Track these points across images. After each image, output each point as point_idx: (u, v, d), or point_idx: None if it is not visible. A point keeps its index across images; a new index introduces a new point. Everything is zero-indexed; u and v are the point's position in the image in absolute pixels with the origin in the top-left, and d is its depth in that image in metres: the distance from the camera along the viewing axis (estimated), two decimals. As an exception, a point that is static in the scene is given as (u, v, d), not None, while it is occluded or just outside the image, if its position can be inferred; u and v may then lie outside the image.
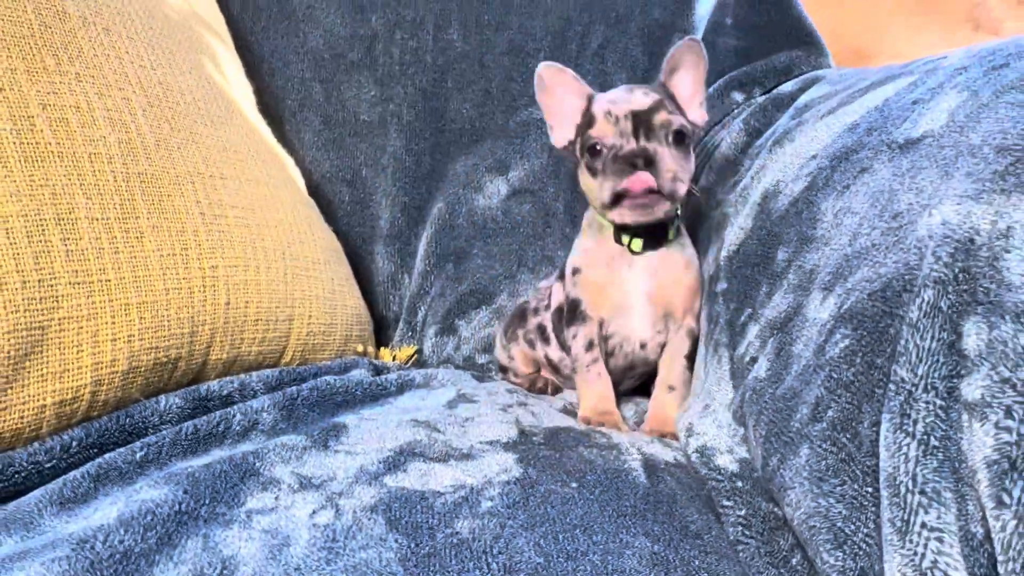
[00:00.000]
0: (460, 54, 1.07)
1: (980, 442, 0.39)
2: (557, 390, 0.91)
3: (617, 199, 0.73)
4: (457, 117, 1.07)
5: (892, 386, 0.44)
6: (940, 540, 0.39)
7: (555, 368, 0.90)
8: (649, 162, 0.72)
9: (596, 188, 0.75)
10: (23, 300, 0.56)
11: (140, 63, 0.74)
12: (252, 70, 1.00)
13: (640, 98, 0.75)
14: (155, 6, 0.82)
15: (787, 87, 0.98)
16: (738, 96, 1.04)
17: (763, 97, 0.99)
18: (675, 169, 0.73)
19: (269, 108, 1.01)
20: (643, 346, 0.82)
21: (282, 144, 0.95)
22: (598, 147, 0.75)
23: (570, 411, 0.79)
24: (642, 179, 0.71)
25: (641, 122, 0.74)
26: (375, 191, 1.06)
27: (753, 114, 0.94)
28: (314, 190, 0.98)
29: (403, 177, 1.06)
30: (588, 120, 0.77)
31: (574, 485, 0.57)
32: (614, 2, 1.08)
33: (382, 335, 1.02)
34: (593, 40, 1.07)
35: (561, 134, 0.82)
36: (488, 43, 1.07)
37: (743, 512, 0.55)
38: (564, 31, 1.07)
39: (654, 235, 0.79)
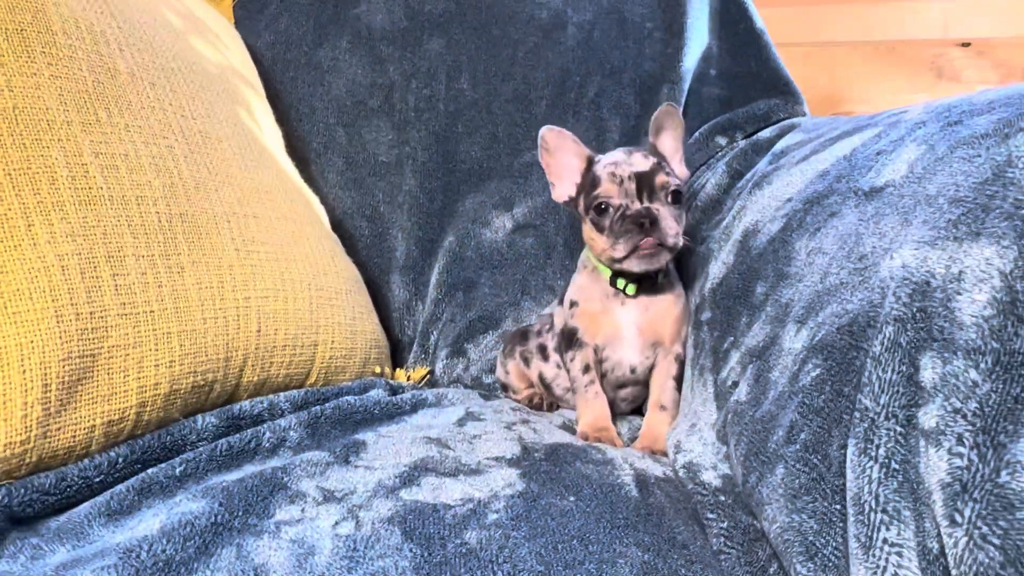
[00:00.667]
0: (469, 102, 1.07)
1: (935, 466, 0.39)
2: (552, 406, 0.91)
3: (630, 255, 0.75)
4: (466, 158, 1.07)
5: (857, 413, 0.44)
6: (900, 555, 0.39)
7: (547, 386, 0.90)
8: (654, 221, 0.73)
9: (604, 242, 0.77)
10: (76, 331, 0.56)
11: (182, 114, 0.74)
12: (282, 117, 1.00)
13: (641, 160, 0.76)
14: (195, 61, 0.83)
15: (766, 133, 0.99)
16: (721, 140, 1.04)
17: (744, 142, 1.00)
18: (675, 227, 0.75)
19: (297, 151, 1.01)
20: (633, 370, 0.83)
21: (308, 183, 0.96)
22: (604, 206, 0.76)
23: (568, 427, 0.79)
24: (650, 239, 0.74)
25: (644, 183, 0.75)
26: (392, 226, 1.06)
27: (735, 157, 0.95)
28: (337, 225, 0.98)
29: (417, 213, 1.06)
30: (592, 180, 0.78)
31: (572, 498, 0.57)
32: (609, 55, 1.08)
33: (398, 357, 1.02)
34: (590, 89, 1.07)
35: (562, 190, 0.83)
36: (495, 92, 1.08)
37: (725, 524, 0.55)
38: (564, 81, 1.08)
39: (645, 280, 0.80)
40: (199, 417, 0.65)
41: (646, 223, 0.73)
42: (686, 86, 1.08)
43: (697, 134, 1.06)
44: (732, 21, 1.13)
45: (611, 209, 0.76)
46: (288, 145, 0.96)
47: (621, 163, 0.77)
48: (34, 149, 0.58)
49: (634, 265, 0.76)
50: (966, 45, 1.43)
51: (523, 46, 1.09)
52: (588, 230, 0.80)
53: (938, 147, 0.54)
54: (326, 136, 1.06)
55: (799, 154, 0.77)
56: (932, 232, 0.46)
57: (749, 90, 1.09)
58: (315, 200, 0.93)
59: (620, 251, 0.75)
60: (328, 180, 1.05)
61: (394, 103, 1.07)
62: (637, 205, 0.75)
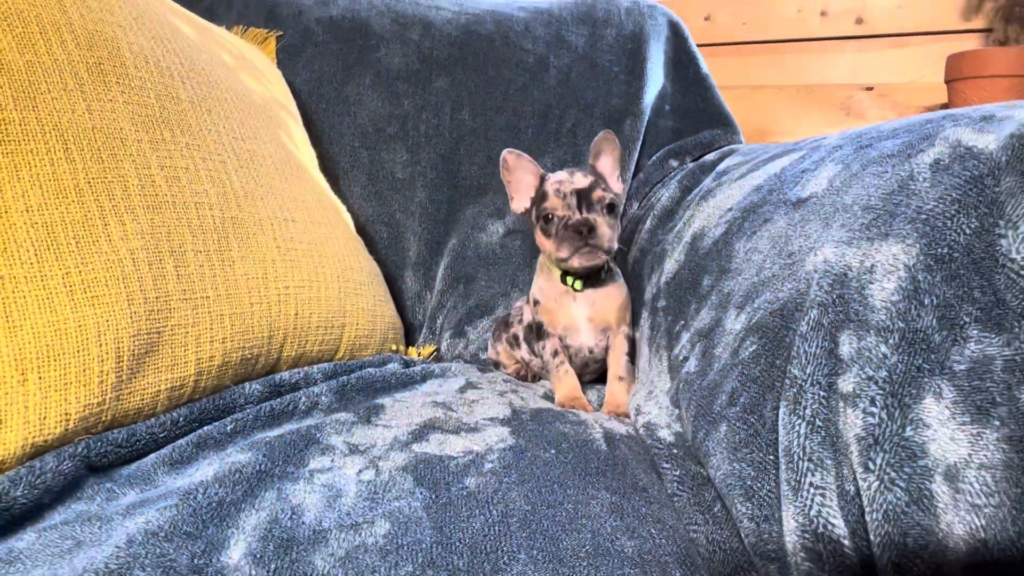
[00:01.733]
0: (470, 130, 1.07)
1: (852, 423, 0.39)
2: (536, 378, 0.90)
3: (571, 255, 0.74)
4: (467, 176, 1.06)
5: (788, 381, 0.44)
6: (823, 495, 0.39)
7: (526, 364, 0.90)
8: (591, 229, 0.73)
9: (551, 245, 0.76)
10: (145, 312, 0.55)
11: (233, 135, 0.73)
12: (315, 140, 0.99)
13: (580, 179, 0.76)
14: (245, 93, 0.81)
15: (710, 156, 0.99)
16: (674, 162, 1.05)
17: (692, 164, 0.99)
18: (609, 233, 0.74)
19: (328, 168, 1.00)
20: (591, 351, 0.82)
21: (337, 196, 0.95)
22: (550, 217, 0.76)
23: (549, 397, 0.79)
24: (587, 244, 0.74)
25: (583, 198, 0.74)
26: (406, 230, 1.05)
27: (685, 176, 0.95)
28: (361, 229, 0.98)
29: (427, 220, 1.05)
30: (542, 195, 0.78)
31: (553, 451, 0.57)
32: (583, 93, 1.08)
33: (410, 337, 1.01)
34: (568, 121, 1.07)
35: (519, 203, 0.83)
36: (490, 122, 1.07)
37: (678, 472, 0.55)
38: (546, 114, 1.08)
39: (590, 277, 0.80)
40: (246, 384, 0.64)
41: (584, 231, 0.73)
42: (646, 119, 1.08)
43: (654, 158, 1.06)
44: (683, 67, 1.14)
45: (556, 219, 0.75)
46: (321, 164, 0.95)
47: (565, 181, 0.76)
48: (110, 162, 0.57)
49: (575, 263, 0.75)
50: (870, 89, 1.44)
51: (513, 85, 1.09)
52: (539, 236, 0.79)
53: (852, 165, 0.53)
54: (352, 157, 1.05)
55: (737, 173, 0.77)
56: (848, 234, 0.46)
57: (696, 122, 1.10)
58: (343, 209, 0.93)
59: (564, 253, 0.74)
60: (353, 193, 1.04)
61: (408, 130, 1.07)
62: (577, 216, 0.74)
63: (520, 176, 0.82)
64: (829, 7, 1.44)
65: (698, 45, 1.50)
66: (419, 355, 0.94)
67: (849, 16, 1.43)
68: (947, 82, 1.18)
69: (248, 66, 0.89)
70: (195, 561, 0.39)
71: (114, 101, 0.60)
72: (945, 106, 1.31)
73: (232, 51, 0.87)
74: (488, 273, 1.03)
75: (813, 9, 1.46)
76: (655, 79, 1.11)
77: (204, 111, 0.70)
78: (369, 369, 0.75)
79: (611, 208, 0.76)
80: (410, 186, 1.05)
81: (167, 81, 0.67)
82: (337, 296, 0.77)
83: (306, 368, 0.71)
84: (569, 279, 0.80)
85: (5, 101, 0.52)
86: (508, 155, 0.81)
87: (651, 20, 1.13)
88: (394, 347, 0.89)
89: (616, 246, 0.77)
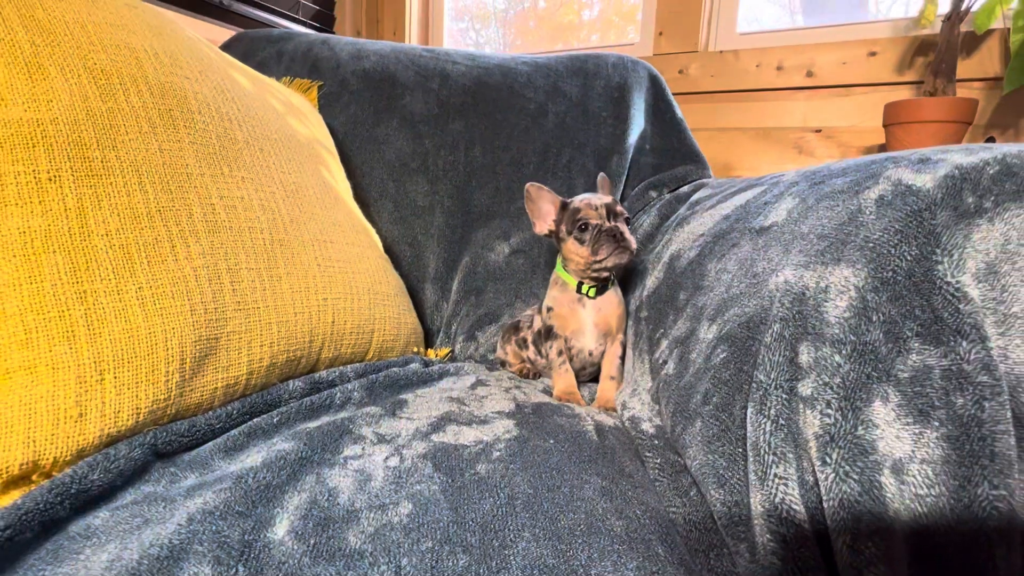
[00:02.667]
0: (480, 165, 1.06)
1: (811, 423, 0.37)
2: (536, 376, 0.89)
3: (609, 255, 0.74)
4: (478, 204, 1.05)
5: (754, 384, 0.42)
6: (786, 485, 0.38)
7: (532, 363, 0.89)
8: (622, 233, 0.73)
9: (586, 251, 0.75)
10: (204, 321, 0.53)
11: (281, 169, 0.72)
12: (350, 173, 0.98)
13: (605, 197, 0.76)
14: (291, 134, 0.80)
15: (684, 189, 0.97)
16: (653, 193, 1.03)
17: (669, 195, 0.98)
18: (631, 237, 0.74)
19: (360, 197, 1.00)
20: (591, 353, 0.81)
21: (369, 220, 0.93)
22: (585, 225, 0.75)
23: (547, 392, 0.78)
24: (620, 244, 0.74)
25: (610, 211, 0.75)
26: (426, 250, 1.04)
27: (663, 206, 0.93)
28: (388, 249, 0.97)
29: (444, 241, 1.04)
30: (573, 210, 0.77)
31: (551, 441, 0.56)
32: (576, 135, 1.07)
33: (429, 340, 1.00)
34: (564, 157, 1.06)
35: (542, 227, 0.82)
36: (498, 158, 1.06)
37: (659, 460, 0.53)
38: (545, 152, 1.06)
39: (600, 286, 0.79)
40: (290, 382, 0.63)
41: (619, 234, 0.73)
42: (630, 156, 1.07)
43: (636, 189, 1.05)
44: (661, 112, 1.13)
45: (591, 227, 0.74)
46: (354, 193, 0.94)
47: (593, 198, 0.76)
48: (177, 193, 0.56)
49: (611, 262, 0.74)
50: (818, 131, 1.42)
51: (518, 127, 1.08)
52: (571, 245, 0.77)
53: (808, 199, 0.52)
54: (381, 187, 1.04)
55: (709, 203, 0.75)
56: (806, 258, 0.45)
57: (672, 159, 1.09)
58: (373, 232, 0.92)
59: (603, 254, 0.73)
60: (382, 218, 1.03)
61: (428, 165, 1.06)
62: (609, 223, 0.74)
63: (541, 204, 0.81)
64: (784, 62, 1.43)
65: (674, 93, 1.49)
66: (436, 356, 0.93)
67: (801, 70, 1.42)
68: (885, 126, 1.17)
69: (294, 111, 0.88)
70: (246, 537, 0.38)
71: (181, 141, 0.59)
72: (883, 147, 1.30)
73: (281, 98, 0.86)
74: (495, 286, 1.01)
75: (770, 64, 1.45)
76: (637, 122, 1.10)
77: (257, 149, 0.69)
78: (394, 368, 0.73)
79: (627, 220, 0.77)
80: (430, 212, 1.04)
81: (226, 124, 0.66)
82: (368, 306, 0.75)
83: (341, 368, 0.70)
84: (584, 287, 0.79)
85: (90, 141, 0.51)
86: (531, 187, 0.80)
87: (634, 73, 1.13)
88: (415, 349, 0.87)
89: (636, 247, 0.76)
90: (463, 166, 1.06)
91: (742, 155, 1.48)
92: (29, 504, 0.37)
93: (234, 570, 0.35)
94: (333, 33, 1.89)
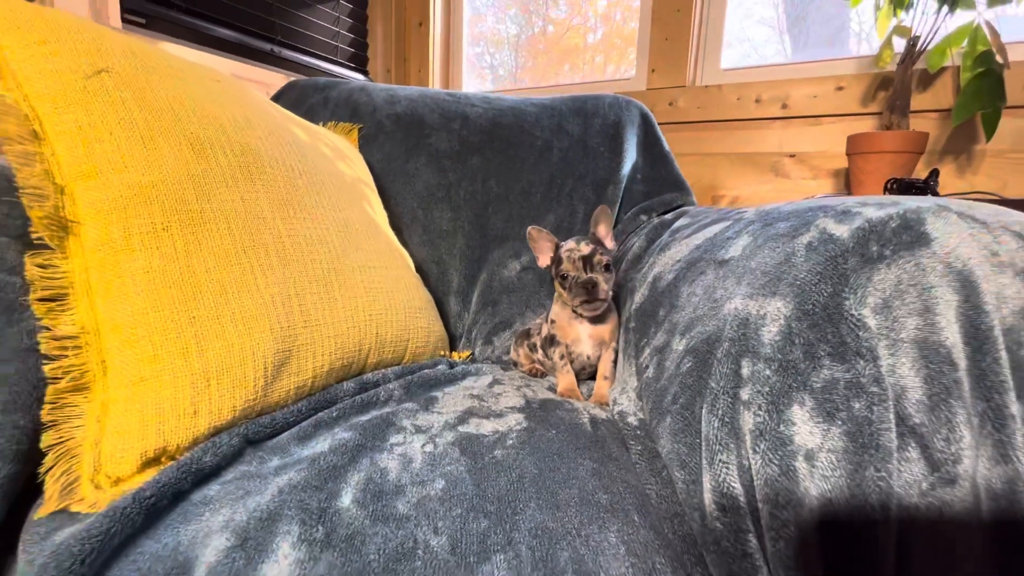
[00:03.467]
0: (495, 194, 1.09)
1: (747, 421, 0.42)
2: (543, 374, 0.92)
3: (581, 304, 0.78)
4: (494, 228, 1.08)
5: (708, 390, 0.46)
6: (727, 468, 0.42)
7: (540, 364, 0.92)
8: (594, 286, 0.77)
9: (567, 295, 0.80)
10: (281, 337, 0.59)
11: (332, 207, 0.76)
12: (386, 203, 1.03)
13: (584, 247, 0.79)
14: (339, 176, 0.86)
15: (668, 216, 1.00)
16: (644, 217, 1.06)
17: (656, 219, 1.01)
18: (606, 287, 0.78)
19: (394, 224, 1.03)
20: (588, 357, 0.85)
21: (402, 244, 0.97)
22: (565, 276, 0.80)
23: (552, 389, 0.80)
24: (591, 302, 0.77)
25: (587, 262, 0.78)
26: (450, 268, 1.06)
27: (650, 230, 0.96)
28: (418, 267, 1.00)
29: (465, 260, 1.07)
30: (558, 259, 0.81)
31: (554, 432, 0.59)
32: (577, 167, 1.11)
33: (453, 345, 1.03)
34: (567, 187, 1.10)
35: (543, 261, 0.86)
36: (511, 188, 1.09)
37: (640, 448, 0.56)
38: (551, 182, 1.10)
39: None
40: (344, 383, 0.67)
41: (589, 287, 0.77)
42: (623, 185, 1.10)
43: (629, 213, 1.08)
44: (651, 146, 1.16)
45: (569, 278, 0.79)
46: (390, 221, 0.98)
47: (574, 249, 0.79)
48: (256, 234, 0.61)
49: (582, 310, 0.79)
50: (792, 156, 1.45)
51: (527, 161, 1.11)
52: (558, 286, 0.83)
53: (758, 239, 0.55)
54: (411, 215, 1.07)
55: (685, 232, 0.78)
56: (751, 289, 0.49)
57: (660, 187, 1.12)
58: (406, 254, 0.94)
59: (576, 303, 0.78)
60: (413, 241, 1.06)
61: (451, 195, 1.09)
62: (584, 276, 0.77)
63: (541, 244, 0.85)
64: (762, 95, 1.47)
65: (665, 123, 1.55)
66: (460, 358, 0.96)
67: (777, 102, 1.46)
68: (847, 155, 1.22)
69: (340, 155, 0.93)
70: (321, 505, 0.43)
71: (257, 191, 0.64)
72: (847, 170, 1.34)
73: (330, 144, 0.92)
74: (509, 298, 1.04)
75: (750, 97, 1.49)
76: (630, 155, 1.13)
77: (314, 193, 0.74)
78: (426, 370, 0.76)
79: (607, 267, 0.79)
80: (453, 236, 1.07)
81: (290, 174, 0.71)
82: (404, 319, 0.80)
83: (383, 371, 0.73)
84: (579, 310, 0.82)
85: (191, 196, 0.58)
86: (532, 230, 0.84)
87: (627, 111, 1.16)
88: (442, 353, 0.91)
89: (612, 293, 0.79)
90: (481, 196, 1.10)
91: (725, 177, 1.53)
92: (164, 479, 0.45)
93: (315, 529, 0.42)
94: (367, 72, 1.96)
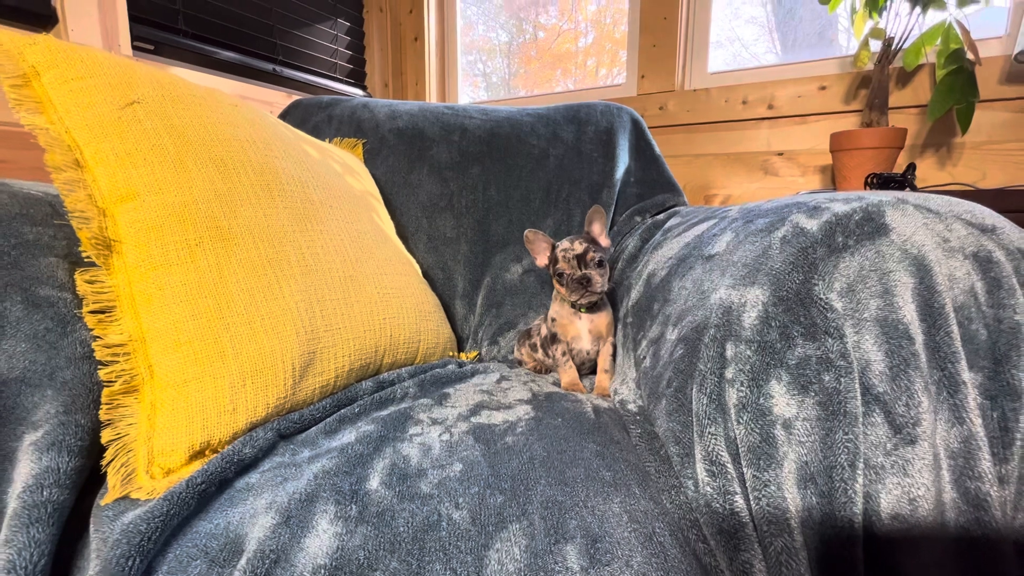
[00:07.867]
0: (495, 202, 1.12)
1: (731, 396, 0.45)
2: (547, 371, 0.95)
3: (577, 297, 0.82)
4: (495, 234, 1.10)
5: (697, 372, 0.49)
6: (716, 440, 0.46)
7: (542, 362, 0.95)
8: (588, 281, 0.81)
9: (564, 291, 0.84)
10: (305, 340, 0.62)
11: (346, 220, 0.80)
12: (392, 214, 1.06)
13: (578, 246, 0.83)
14: (349, 190, 0.89)
15: (660, 217, 1.03)
16: (638, 218, 1.09)
17: (650, 220, 1.04)
18: (600, 281, 0.82)
19: (401, 232, 1.06)
20: (588, 354, 0.88)
21: (409, 251, 1.00)
22: (561, 274, 0.84)
23: (556, 384, 0.84)
24: (586, 291, 0.81)
25: (580, 260, 0.82)
26: (455, 273, 1.09)
27: (644, 231, 1.00)
28: (425, 274, 1.02)
29: (469, 265, 1.09)
30: (554, 258, 0.85)
31: (560, 420, 0.61)
32: (573, 173, 1.14)
33: (460, 346, 1.05)
34: (563, 193, 1.13)
35: (541, 261, 0.90)
36: (510, 195, 1.12)
37: (639, 431, 0.59)
38: (548, 188, 1.13)
39: (592, 303, 0.88)
40: (363, 382, 0.70)
41: (584, 282, 0.81)
42: (617, 188, 1.13)
43: (623, 215, 1.11)
44: (642, 150, 1.20)
45: (565, 275, 0.82)
46: (396, 230, 1.00)
47: (568, 249, 0.83)
48: (279, 247, 0.65)
49: (582, 301, 0.83)
50: (780, 154, 1.48)
51: (525, 169, 1.14)
52: (555, 283, 0.86)
53: (740, 235, 0.59)
54: (416, 224, 1.10)
55: (676, 231, 0.82)
56: (734, 280, 0.52)
57: (653, 189, 1.16)
58: (414, 261, 0.96)
59: (573, 297, 0.82)
60: (419, 248, 1.08)
61: (454, 204, 1.11)
62: (578, 272, 0.81)
63: (537, 245, 0.89)
64: (748, 97, 1.52)
65: (656, 127, 1.60)
66: (467, 358, 0.98)
67: (763, 103, 1.50)
68: (831, 151, 1.27)
69: (349, 170, 0.98)
70: (353, 487, 0.47)
71: (277, 207, 0.68)
72: (832, 166, 1.39)
73: (338, 160, 0.97)
74: (512, 300, 1.08)
75: (737, 100, 1.53)
76: (623, 160, 1.16)
77: (328, 207, 0.78)
78: (437, 369, 0.80)
79: (600, 263, 0.83)
80: (456, 242, 1.11)
81: (305, 190, 0.75)
82: (415, 322, 0.83)
83: (398, 370, 0.76)
84: (577, 305, 0.87)
85: (219, 214, 0.62)
86: (529, 233, 0.88)
87: (619, 118, 1.20)
88: (451, 353, 0.94)
89: (607, 287, 0.83)
90: (482, 203, 1.13)
91: (717, 177, 1.57)
92: (211, 468, 0.49)
93: (349, 507, 0.46)
94: (365, 87, 2.02)
